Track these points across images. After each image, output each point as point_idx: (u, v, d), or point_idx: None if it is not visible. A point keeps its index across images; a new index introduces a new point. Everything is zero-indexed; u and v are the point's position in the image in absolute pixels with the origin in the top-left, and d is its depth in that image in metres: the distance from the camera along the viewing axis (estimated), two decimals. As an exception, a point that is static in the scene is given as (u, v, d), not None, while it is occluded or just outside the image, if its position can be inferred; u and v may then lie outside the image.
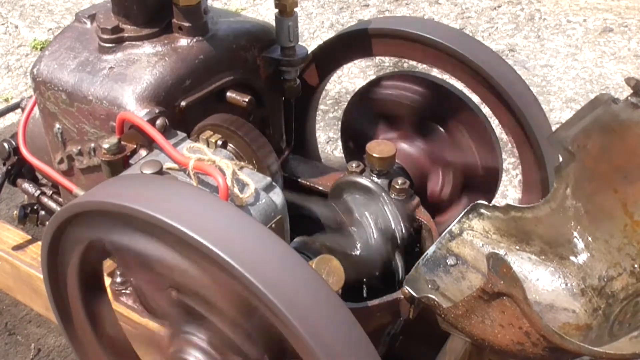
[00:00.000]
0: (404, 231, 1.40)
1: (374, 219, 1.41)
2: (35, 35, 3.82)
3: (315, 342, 0.89)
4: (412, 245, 1.46)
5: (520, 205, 1.33)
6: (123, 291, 1.57)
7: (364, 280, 1.39)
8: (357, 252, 1.39)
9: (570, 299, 1.23)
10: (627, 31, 3.67)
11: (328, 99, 3.12)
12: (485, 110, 1.61)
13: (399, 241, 1.40)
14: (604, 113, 1.24)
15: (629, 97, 1.22)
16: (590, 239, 1.26)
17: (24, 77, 3.41)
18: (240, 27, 1.51)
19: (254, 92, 1.51)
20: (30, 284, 1.77)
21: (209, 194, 1.08)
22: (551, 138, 1.29)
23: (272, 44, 1.54)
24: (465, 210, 1.33)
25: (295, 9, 1.50)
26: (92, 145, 1.42)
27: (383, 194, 1.42)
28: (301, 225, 1.36)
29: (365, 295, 1.43)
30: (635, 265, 1.19)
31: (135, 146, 1.28)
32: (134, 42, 1.41)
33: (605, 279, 1.22)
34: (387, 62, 3.35)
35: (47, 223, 1.19)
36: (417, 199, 1.47)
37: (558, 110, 3.03)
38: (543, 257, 1.29)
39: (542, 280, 1.27)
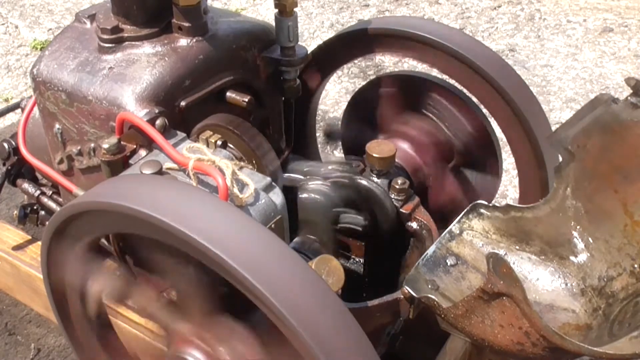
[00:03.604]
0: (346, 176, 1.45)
1: (322, 176, 1.47)
2: (35, 35, 3.83)
3: (314, 342, 0.89)
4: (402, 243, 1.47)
5: (520, 205, 1.32)
6: (123, 291, 1.57)
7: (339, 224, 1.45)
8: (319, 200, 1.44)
9: (570, 299, 1.23)
10: (627, 31, 3.67)
11: (328, 99, 3.12)
12: (485, 110, 1.61)
13: (345, 181, 1.45)
14: (604, 113, 1.24)
15: (629, 97, 1.22)
16: (590, 239, 1.26)
17: (24, 77, 3.41)
18: (240, 27, 1.51)
19: (254, 92, 1.51)
20: (30, 284, 1.77)
21: (209, 194, 1.08)
22: (551, 138, 1.29)
23: (272, 44, 1.54)
24: (465, 210, 1.32)
25: (295, 9, 1.50)
26: (92, 145, 1.42)
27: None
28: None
29: (364, 294, 1.43)
30: (635, 265, 1.19)
31: (135, 146, 1.28)
32: (133, 42, 1.41)
33: (605, 279, 1.22)
34: (387, 62, 3.35)
35: (47, 223, 1.19)
36: (417, 198, 1.47)
37: (558, 110, 3.03)
38: (543, 257, 1.29)
39: (542, 280, 1.27)
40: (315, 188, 1.45)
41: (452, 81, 1.62)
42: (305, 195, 1.45)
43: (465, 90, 1.61)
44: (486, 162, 1.63)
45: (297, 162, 1.61)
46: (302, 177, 1.48)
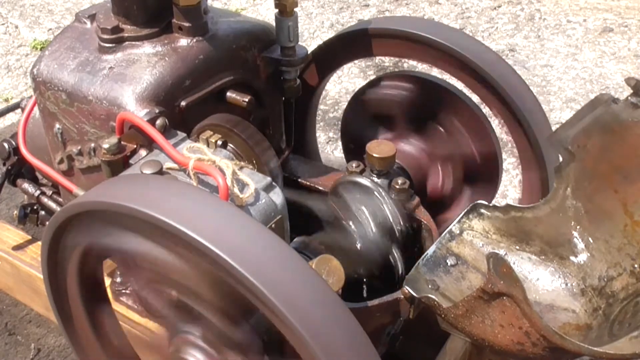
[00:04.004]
0: (402, 224, 1.39)
1: (371, 213, 1.40)
2: (35, 35, 3.82)
3: (315, 342, 0.89)
4: (411, 242, 1.45)
5: (520, 205, 1.32)
6: (123, 291, 1.57)
7: (364, 276, 1.39)
8: (355, 247, 1.38)
9: (570, 299, 1.23)
10: (627, 31, 3.67)
11: (328, 99, 3.12)
12: (485, 110, 1.61)
13: (397, 234, 1.39)
14: (604, 113, 1.24)
15: (629, 97, 1.22)
16: (590, 239, 1.26)
17: (24, 77, 3.41)
18: (240, 27, 1.51)
19: (254, 92, 1.51)
20: (30, 284, 1.77)
21: (209, 194, 1.08)
22: (551, 138, 1.29)
23: (272, 44, 1.54)
24: (465, 210, 1.33)
25: (295, 9, 1.50)
26: (92, 145, 1.42)
27: (381, 191, 1.41)
28: (299, 221, 1.35)
29: (365, 295, 1.43)
30: (635, 265, 1.19)
31: (135, 146, 1.28)
32: (134, 42, 1.41)
33: (605, 279, 1.22)
34: (387, 62, 3.35)
35: (47, 223, 1.19)
36: (417, 198, 1.47)
37: (558, 110, 3.03)
38: (543, 257, 1.29)
39: (542, 280, 1.27)
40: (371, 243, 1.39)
41: (452, 81, 1.63)
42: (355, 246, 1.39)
43: (465, 90, 1.61)
44: (486, 157, 1.63)
45: (298, 163, 1.62)
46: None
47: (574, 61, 3.41)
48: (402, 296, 1.18)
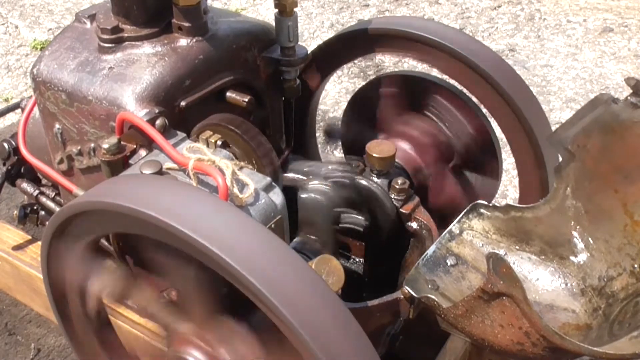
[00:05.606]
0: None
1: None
2: (35, 35, 3.83)
3: (314, 342, 0.89)
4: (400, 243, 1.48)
5: (520, 205, 1.32)
6: (123, 291, 1.57)
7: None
8: None
9: (570, 299, 1.23)
10: (627, 31, 3.67)
11: (328, 99, 3.12)
12: (485, 110, 1.61)
13: None
14: (604, 113, 1.24)
15: (629, 97, 1.22)
16: (590, 239, 1.26)
17: (24, 77, 3.41)
18: (240, 27, 1.51)
19: (254, 92, 1.51)
20: (30, 284, 1.77)
21: (209, 194, 1.08)
22: (551, 138, 1.29)
23: (272, 44, 1.54)
24: (465, 210, 1.32)
25: (295, 9, 1.50)
26: (92, 145, 1.42)
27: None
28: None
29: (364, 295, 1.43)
30: (635, 265, 1.19)
31: (135, 146, 1.28)
32: (133, 42, 1.41)
33: (605, 279, 1.22)
34: (387, 62, 3.35)
35: (47, 223, 1.19)
36: (417, 198, 1.47)
37: (558, 110, 3.03)
38: (543, 257, 1.29)
39: (542, 280, 1.27)
40: (316, 188, 1.44)
41: (452, 81, 1.62)
42: (305, 195, 1.45)
43: (465, 90, 1.61)
44: (486, 162, 1.63)
45: (297, 162, 1.61)
46: (302, 177, 1.48)
47: (574, 61, 3.41)
48: (402, 296, 1.18)
